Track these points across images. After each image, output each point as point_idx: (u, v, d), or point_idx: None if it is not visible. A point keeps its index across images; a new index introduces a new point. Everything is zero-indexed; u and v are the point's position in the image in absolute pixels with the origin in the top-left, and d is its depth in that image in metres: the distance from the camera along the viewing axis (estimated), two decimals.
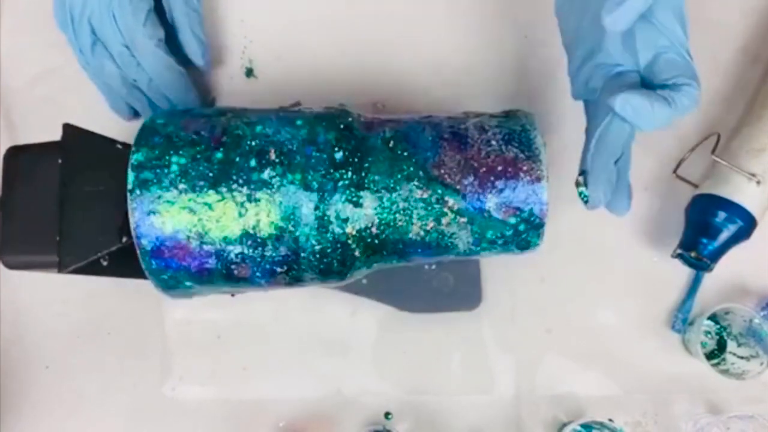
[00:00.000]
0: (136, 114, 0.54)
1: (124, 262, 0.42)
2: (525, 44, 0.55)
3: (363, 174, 0.41)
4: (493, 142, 0.42)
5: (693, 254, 0.49)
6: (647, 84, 0.40)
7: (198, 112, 0.44)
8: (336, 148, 0.41)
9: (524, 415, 0.52)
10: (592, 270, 0.54)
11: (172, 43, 0.51)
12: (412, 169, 0.41)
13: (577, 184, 0.43)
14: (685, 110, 0.39)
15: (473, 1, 0.56)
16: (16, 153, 0.44)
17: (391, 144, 0.42)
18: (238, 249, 0.40)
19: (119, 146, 0.44)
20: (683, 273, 0.53)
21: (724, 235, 0.49)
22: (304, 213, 0.40)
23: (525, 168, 0.41)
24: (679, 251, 0.50)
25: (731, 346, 0.53)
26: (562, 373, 0.53)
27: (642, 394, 0.53)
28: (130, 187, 0.40)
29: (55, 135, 0.42)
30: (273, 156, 0.40)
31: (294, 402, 0.53)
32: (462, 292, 0.53)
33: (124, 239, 0.41)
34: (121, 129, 0.48)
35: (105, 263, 0.41)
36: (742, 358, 0.52)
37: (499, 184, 0.41)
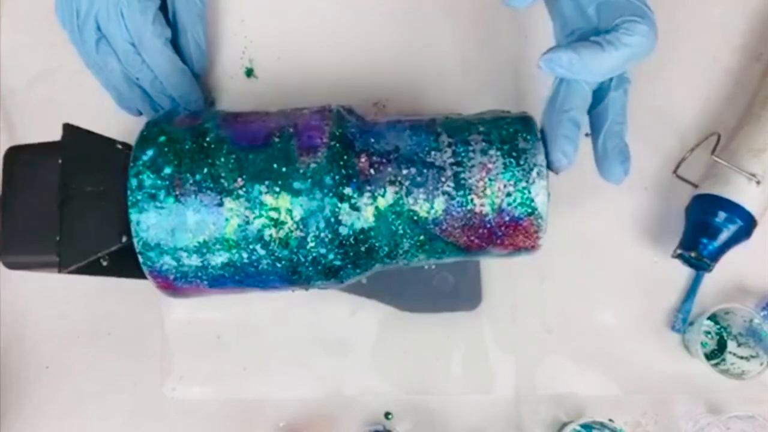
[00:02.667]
0: (139, 112, 0.54)
1: (124, 262, 0.42)
2: (525, 44, 0.55)
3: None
4: (498, 199, 0.41)
5: (693, 254, 0.49)
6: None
7: (200, 114, 0.44)
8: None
9: (524, 415, 0.52)
10: (592, 270, 0.54)
11: (172, 43, 0.51)
12: (410, 232, 0.42)
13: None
14: (637, 47, 0.39)
15: (473, 1, 0.56)
16: (16, 153, 0.44)
17: (392, 213, 0.41)
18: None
19: (119, 146, 0.44)
20: (683, 273, 0.53)
21: (724, 235, 0.49)
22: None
23: (525, 226, 0.42)
24: (679, 251, 0.50)
25: (731, 346, 0.53)
26: (562, 373, 0.53)
27: (642, 394, 0.53)
28: (130, 188, 0.40)
29: (55, 135, 0.42)
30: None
31: (294, 402, 0.53)
32: (462, 292, 0.53)
33: (124, 239, 0.41)
34: (121, 129, 0.48)
35: (105, 263, 0.41)
36: (742, 358, 0.52)
37: (500, 240, 0.42)
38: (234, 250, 0.40)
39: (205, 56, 0.54)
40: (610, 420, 0.50)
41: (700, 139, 0.52)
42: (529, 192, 0.41)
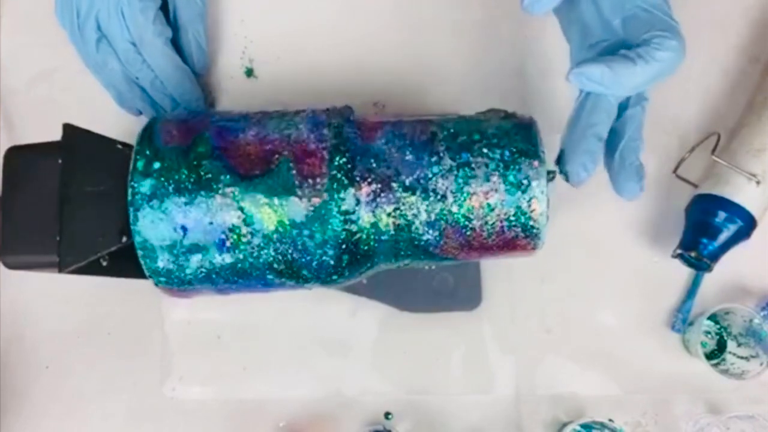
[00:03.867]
0: (139, 112, 0.54)
1: (124, 262, 0.42)
2: (524, 44, 0.55)
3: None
4: (497, 224, 0.42)
5: (693, 254, 0.49)
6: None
7: (201, 114, 0.44)
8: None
9: (524, 415, 0.52)
10: (592, 270, 0.54)
11: (173, 44, 0.51)
12: (411, 252, 0.43)
13: (556, 163, 0.43)
14: (666, 62, 0.38)
15: (473, 1, 0.56)
16: (16, 153, 0.44)
17: (393, 233, 0.42)
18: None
19: (119, 146, 0.44)
20: (683, 273, 0.53)
21: (724, 235, 0.49)
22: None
23: (522, 244, 0.42)
24: (679, 251, 0.50)
25: (731, 346, 0.53)
26: (562, 373, 0.53)
27: (642, 394, 0.52)
28: (131, 188, 0.40)
29: (55, 135, 0.42)
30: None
31: (294, 402, 0.53)
32: (462, 292, 0.53)
33: (124, 239, 0.41)
34: (121, 129, 0.48)
35: (105, 263, 0.41)
36: (742, 358, 0.52)
37: (498, 253, 0.43)
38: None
39: (206, 55, 0.54)
40: (610, 420, 0.50)
41: (700, 139, 0.52)
42: (530, 218, 0.41)
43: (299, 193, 0.40)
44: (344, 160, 0.40)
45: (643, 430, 0.52)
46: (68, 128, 0.42)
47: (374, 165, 0.41)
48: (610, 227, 0.54)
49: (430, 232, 0.42)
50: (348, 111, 0.44)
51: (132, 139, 0.42)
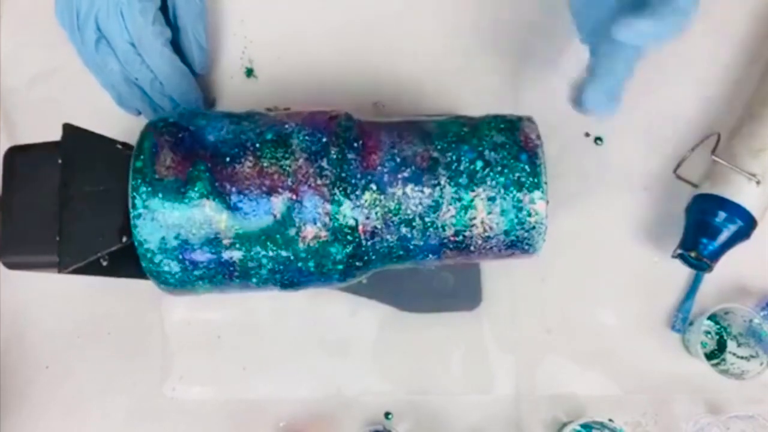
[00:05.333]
0: (139, 112, 0.54)
1: (124, 262, 0.42)
2: (524, 44, 0.55)
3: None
4: (495, 249, 0.42)
5: (693, 254, 0.49)
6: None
7: (202, 114, 0.44)
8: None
9: (524, 415, 0.52)
10: (592, 270, 0.54)
11: (173, 44, 0.51)
12: (410, 265, 0.44)
13: (572, 103, 0.42)
14: (681, 13, 0.38)
15: (473, 2, 0.56)
16: (16, 153, 0.44)
17: (394, 260, 0.43)
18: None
19: (119, 146, 0.44)
20: (683, 273, 0.53)
21: (724, 235, 0.49)
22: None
23: (520, 254, 0.43)
24: (679, 251, 0.50)
25: (731, 346, 0.53)
26: (562, 373, 0.53)
27: (642, 394, 0.52)
28: (131, 187, 0.40)
29: (55, 135, 0.42)
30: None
31: (294, 402, 0.53)
32: (462, 292, 0.53)
33: (124, 239, 0.41)
34: (121, 129, 0.47)
35: (105, 263, 0.41)
36: (742, 358, 0.52)
37: (495, 259, 0.44)
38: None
39: (207, 55, 0.54)
40: (610, 420, 0.50)
41: (700, 139, 0.52)
42: (530, 239, 0.41)
43: (301, 240, 0.40)
44: (344, 195, 0.40)
45: (643, 430, 0.52)
46: (68, 128, 0.42)
47: (375, 198, 0.40)
48: (610, 227, 0.54)
49: (430, 256, 0.43)
50: (348, 130, 0.42)
51: (132, 139, 0.42)
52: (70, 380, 0.54)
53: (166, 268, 0.41)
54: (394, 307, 0.53)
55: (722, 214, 0.48)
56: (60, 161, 0.42)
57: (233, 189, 0.40)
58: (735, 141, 0.51)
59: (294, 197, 0.40)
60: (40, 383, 0.54)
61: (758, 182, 0.48)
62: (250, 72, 0.56)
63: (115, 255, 0.41)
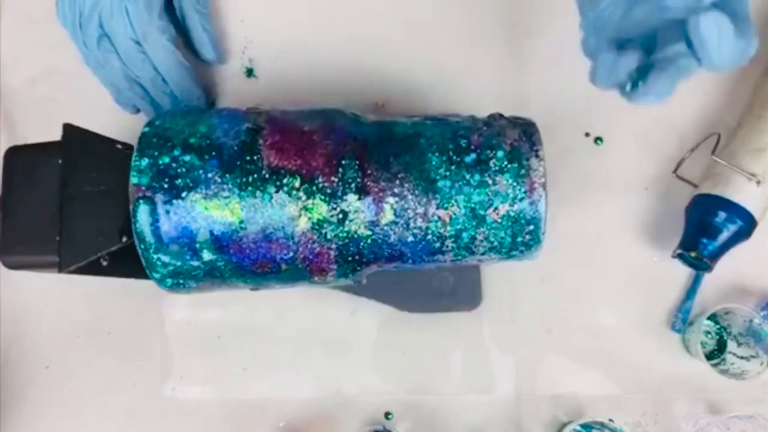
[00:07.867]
0: (137, 110, 0.54)
1: (124, 262, 0.42)
2: (524, 44, 0.55)
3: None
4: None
5: (693, 254, 0.49)
6: None
7: (202, 113, 0.44)
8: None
9: (524, 415, 0.52)
10: (592, 270, 0.54)
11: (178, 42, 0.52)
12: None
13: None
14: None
15: (473, 1, 0.56)
16: (16, 153, 0.44)
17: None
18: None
19: (119, 146, 0.44)
20: (683, 273, 0.53)
21: (724, 235, 0.49)
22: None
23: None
24: (679, 251, 0.50)
25: (731, 346, 0.53)
26: (562, 373, 0.53)
27: (642, 394, 0.52)
28: (132, 186, 0.40)
29: (55, 135, 0.42)
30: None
31: (294, 402, 0.53)
32: (462, 292, 0.53)
33: (124, 239, 0.41)
34: (121, 129, 0.48)
35: (105, 263, 0.41)
36: (742, 358, 0.52)
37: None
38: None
39: (219, 43, 0.54)
40: (610, 420, 0.50)
41: (700, 139, 0.52)
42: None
43: (309, 280, 0.43)
44: (352, 254, 0.42)
45: (643, 430, 0.52)
46: (68, 128, 0.42)
47: (380, 252, 0.42)
48: (610, 227, 0.54)
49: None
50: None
51: (132, 139, 0.42)
52: (70, 380, 0.54)
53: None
54: (394, 307, 0.53)
55: (722, 214, 0.48)
56: (60, 161, 0.42)
57: (243, 256, 0.42)
58: (735, 141, 0.51)
59: (299, 257, 0.41)
60: (40, 383, 0.54)
61: (758, 182, 0.48)
62: (250, 72, 0.56)
63: (115, 255, 0.41)
